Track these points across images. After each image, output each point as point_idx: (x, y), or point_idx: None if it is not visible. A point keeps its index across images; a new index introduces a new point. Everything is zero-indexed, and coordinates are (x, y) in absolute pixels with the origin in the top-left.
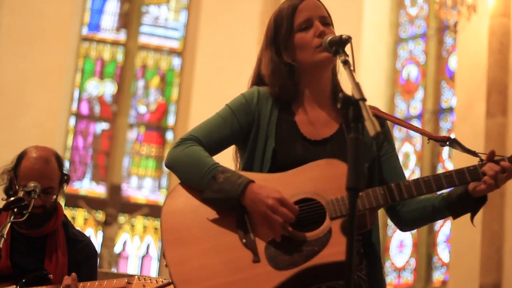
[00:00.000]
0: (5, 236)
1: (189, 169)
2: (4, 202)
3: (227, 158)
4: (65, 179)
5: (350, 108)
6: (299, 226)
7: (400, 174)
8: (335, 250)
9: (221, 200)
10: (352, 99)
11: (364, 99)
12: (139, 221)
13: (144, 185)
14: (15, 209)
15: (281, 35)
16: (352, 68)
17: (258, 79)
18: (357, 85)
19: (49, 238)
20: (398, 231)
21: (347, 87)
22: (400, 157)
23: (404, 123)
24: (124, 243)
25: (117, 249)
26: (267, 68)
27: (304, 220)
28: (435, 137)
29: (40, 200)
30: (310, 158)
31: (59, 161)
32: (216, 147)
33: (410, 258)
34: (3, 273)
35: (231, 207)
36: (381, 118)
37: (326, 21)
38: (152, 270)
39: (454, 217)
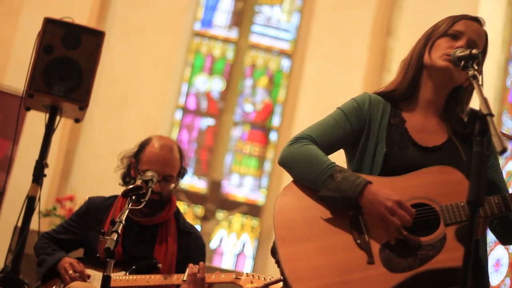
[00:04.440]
0: (123, 222)
1: (305, 167)
2: (122, 187)
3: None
4: (183, 172)
5: (477, 122)
6: (412, 230)
7: (504, 188)
8: (450, 256)
9: (338, 199)
10: (480, 114)
11: (491, 115)
12: (237, 218)
13: (245, 184)
14: (133, 197)
15: (436, 32)
16: (480, 83)
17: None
18: (485, 100)
19: (160, 227)
20: (495, 249)
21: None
22: (504, 175)
23: None
24: (221, 240)
25: (213, 244)
26: (411, 55)
27: (418, 224)
28: None
29: (159, 187)
30: (421, 163)
31: (181, 153)
32: (329, 149)
33: (505, 278)
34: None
35: (347, 206)
36: None
37: (473, 46)
38: (246, 268)
39: None
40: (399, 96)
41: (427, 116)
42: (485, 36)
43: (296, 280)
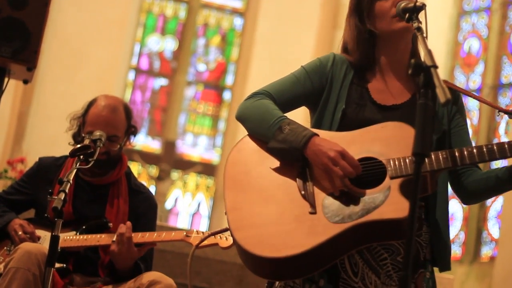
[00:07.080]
0: (71, 181)
1: (257, 120)
2: (72, 147)
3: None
4: (132, 130)
5: (421, 74)
6: (359, 183)
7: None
8: (392, 208)
9: (284, 150)
10: (424, 65)
11: (435, 66)
12: (192, 178)
13: (199, 143)
14: (81, 156)
15: (364, 2)
16: (425, 35)
17: (344, 47)
18: (429, 52)
19: (111, 187)
20: (449, 203)
21: None
22: None
23: (474, 95)
24: (176, 199)
25: (168, 204)
26: (350, 34)
27: (364, 177)
28: (505, 110)
29: (104, 147)
30: (377, 121)
31: (128, 111)
32: (287, 104)
33: (459, 232)
34: (64, 219)
35: (294, 158)
36: (456, 91)
37: None
38: (202, 227)
39: None
40: (361, 67)
41: (391, 77)
42: None
43: (236, 228)
